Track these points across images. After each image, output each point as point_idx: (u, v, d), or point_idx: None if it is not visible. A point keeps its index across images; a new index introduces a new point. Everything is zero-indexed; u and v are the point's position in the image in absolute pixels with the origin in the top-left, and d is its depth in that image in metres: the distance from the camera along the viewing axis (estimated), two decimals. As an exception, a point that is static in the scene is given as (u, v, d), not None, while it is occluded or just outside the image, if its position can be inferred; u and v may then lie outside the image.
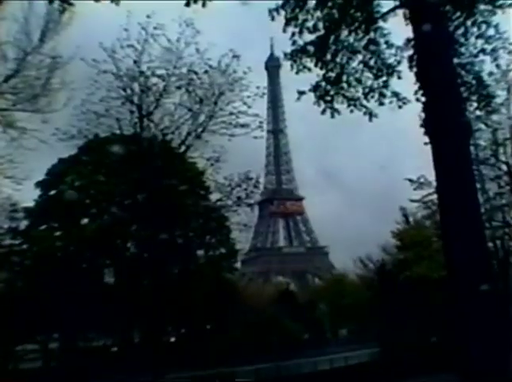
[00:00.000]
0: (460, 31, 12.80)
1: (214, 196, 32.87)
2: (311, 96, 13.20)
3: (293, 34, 12.96)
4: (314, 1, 12.76)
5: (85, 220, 36.13)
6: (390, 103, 13.23)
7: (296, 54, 13.12)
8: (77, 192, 34.22)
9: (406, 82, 12.90)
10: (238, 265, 49.47)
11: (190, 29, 27.86)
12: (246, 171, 31.19)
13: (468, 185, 10.74)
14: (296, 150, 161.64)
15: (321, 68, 13.12)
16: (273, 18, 12.73)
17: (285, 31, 12.89)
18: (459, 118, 11.07)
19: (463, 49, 13.02)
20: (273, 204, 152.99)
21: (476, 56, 13.06)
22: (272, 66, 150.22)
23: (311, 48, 13.06)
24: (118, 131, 30.41)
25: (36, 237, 34.89)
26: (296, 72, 13.18)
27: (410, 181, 31.77)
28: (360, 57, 13.26)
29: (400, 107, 13.22)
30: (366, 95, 13.26)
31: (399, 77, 13.21)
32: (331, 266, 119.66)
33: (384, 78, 13.30)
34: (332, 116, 13.20)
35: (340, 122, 13.60)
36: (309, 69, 13.15)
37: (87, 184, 34.78)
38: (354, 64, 13.26)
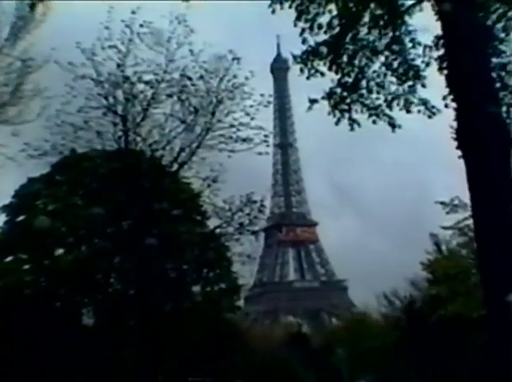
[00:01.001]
0: (500, 25, 12.86)
1: (212, 223, 33.00)
2: (324, 105, 13.26)
3: (303, 31, 13.01)
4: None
5: (60, 251, 36.05)
6: (418, 111, 13.29)
7: (307, 56, 13.18)
8: (50, 218, 34.24)
9: (436, 87, 12.95)
10: (241, 303, 49.35)
11: (182, 26, 28.11)
12: (249, 193, 31.31)
13: (510, 207, 10.68)
14: (308, 167, 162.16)
15: (336, 72, 13.19)
16: (273, 11, 12.82)
17: (295, 25, 12.93)
18: (499, 129, 11.03)
19: (503, 47, 13.07)
20: (282, 231, 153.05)
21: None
22: (279, 69, 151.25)
23: (324, 49, 13.12)
24: (99, 146, 30.56)
25: (1, 271, 34.76)
26: (307, 77, 13.24)
27: (442, 203, 31.80)
28: (382, 59, 13.34)
29: (429, 116, 13.26)
30: (389, 102, 13.32)
31: (423, 85, 13.25)
32: (351, 303, 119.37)
33: (410, 82, 13.37)
34: (351, 128, 13.24)
35: (359, 134, 13.66)
36: (322, 74, 13.22)
37: (63, 208, 34.76)
38: (375, 66, 13.35)
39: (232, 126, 29.35)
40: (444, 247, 47.60)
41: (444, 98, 12.48)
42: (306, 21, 12.92)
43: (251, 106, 29.19)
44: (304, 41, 13.11)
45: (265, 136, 29.73)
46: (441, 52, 12.75)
